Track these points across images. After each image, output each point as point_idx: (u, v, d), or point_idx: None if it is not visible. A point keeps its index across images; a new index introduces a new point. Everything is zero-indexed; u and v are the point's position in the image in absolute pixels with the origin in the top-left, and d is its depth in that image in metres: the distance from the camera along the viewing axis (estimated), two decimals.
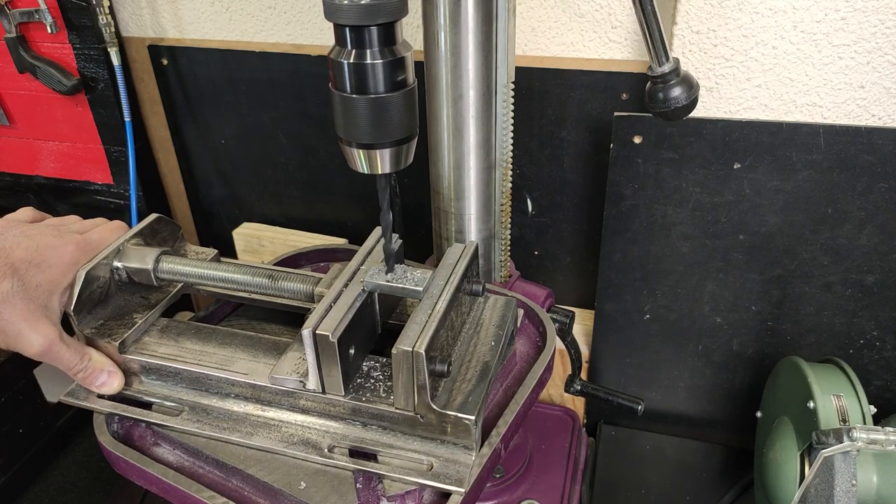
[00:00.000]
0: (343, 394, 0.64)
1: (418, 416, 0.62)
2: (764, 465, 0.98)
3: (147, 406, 0.70)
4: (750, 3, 0.94)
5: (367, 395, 0.65)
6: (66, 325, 0.69)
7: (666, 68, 0.77)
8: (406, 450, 0.64)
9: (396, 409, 0.63)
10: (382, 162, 0.61)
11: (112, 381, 0.70)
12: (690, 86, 0.79)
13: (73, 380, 0.70)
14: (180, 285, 0.78)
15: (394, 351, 0.59)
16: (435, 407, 0.61)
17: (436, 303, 0.64)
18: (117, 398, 0.71)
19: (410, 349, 0.58)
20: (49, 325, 0.65)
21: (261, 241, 1.38)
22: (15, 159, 1.46)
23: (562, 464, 1.10)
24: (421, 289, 0.66)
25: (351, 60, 0.55)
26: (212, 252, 0.79)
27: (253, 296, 0.77)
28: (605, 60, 1.05)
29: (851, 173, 0.95)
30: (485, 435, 0.64)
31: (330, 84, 0.58)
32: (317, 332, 0.61)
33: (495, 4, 0.74)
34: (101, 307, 0.72)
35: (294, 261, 0.92)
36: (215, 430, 0.67)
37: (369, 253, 0.72)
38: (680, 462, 1.24)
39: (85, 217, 0.79)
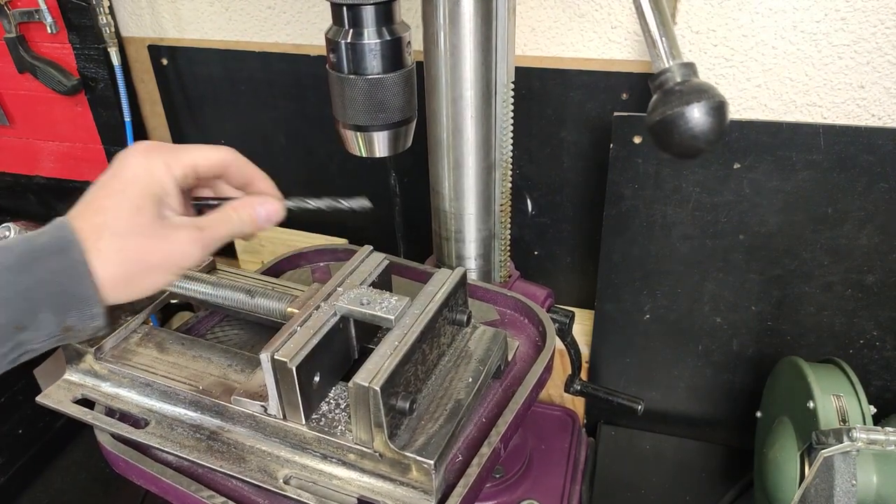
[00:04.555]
0: (303, 422, 0.61)
1: (377, 454, 0.59)
2: (764, 465, 0.98)
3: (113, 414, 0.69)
4: (750, 3, 0.94)
5: (330, 426, 0.61)
6: None
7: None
8: (363, 488, 0.60)
9: (355, 444, 0.60)
10: (380, 144, 0.60)
11: (270, 210, 0.59)
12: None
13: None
14: (165, 293, 0.77)
15: (350, 384, 0.56)
16: (392, 447, 0.58)
17: (405, 333, 0.60)
18: (90, 404, 0.69)
19: (367, 384, 0.55)
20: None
21: (261, 241, 1.38)
22: (15, 159, 1.46)
23: (562, 464, 1.10)
24: (392, 317, 0.61)
25: (348, 40, 0.55)
26: (207, 259, 0.78)
27: (237, 309, 0.76)
28: (605, 60, 1.05)
29: (851, 173, 0.95)
30: (453, 481, 0.60)
31: (327, 65, 0.58)
32: (275, 357, 0.58)
33: (494, 4, 0.74)
34: None
35: (293, 261, 0.92)
36: (175, 447, 0.65)
37: (351, 273, 0.69)
38: (680, 462, 1.24)
39: None
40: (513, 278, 0.98)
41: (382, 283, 0.71)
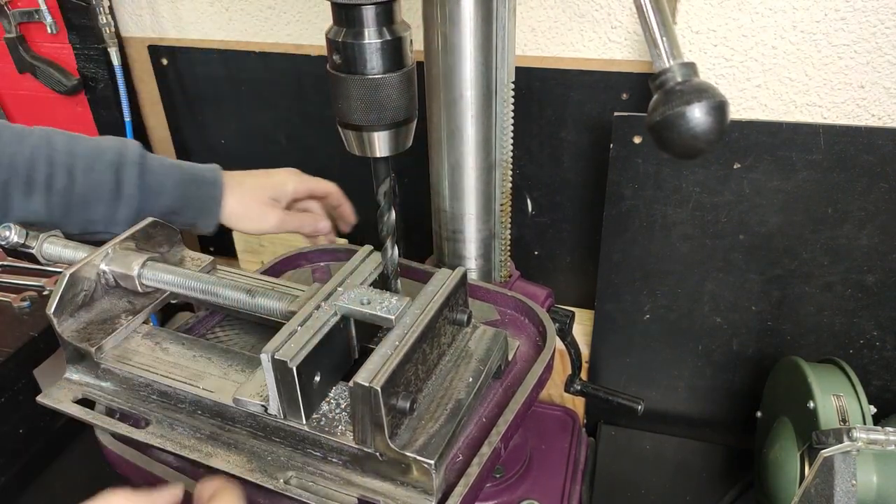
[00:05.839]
0: (304, 422, 0.61)
1: (377, 454, 0.59)
2: (764, 465, 0.98)
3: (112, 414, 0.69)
4: (750, 3, 0.94)
5: (330, 425, 0.61)
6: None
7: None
8: (363, 488, 0.60)
9: (355, 444, 0.60)
10: (379, 145, 0.59)
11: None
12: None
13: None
14: (167, 293, 0.76)
15: (350, 384, 0.56)
16: (393, 447, 0.57)
17: (406, 333, 0.60)
18: (90, 404, 0.69)
19: (367, 384, 0.55)
20: None
21: (261, 241, 1.38)
22: None
23: (562, 464, 1.10)
24: (393, 317, 0.61)
25: (348, 40, 0.55)
26: (207, 259, 0.78)
27: (237, 309, 0.76)
28: (605, 60, 1.05)
29: (851, 173, 0.95)
30: (453, 481, 0.60)
31: (327, 65, 0.58)
32: (275, 356, 0.57)
33: (495, 4, 0.74)
34: (85, 310, 0.71)
35: (293, 261, 0.92)
36: (175, 447, 0.64)
37: (352, 273, 0.69)
38: (680, 462, 1.24)
39: None
40: (513, 278, 0.98)
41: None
